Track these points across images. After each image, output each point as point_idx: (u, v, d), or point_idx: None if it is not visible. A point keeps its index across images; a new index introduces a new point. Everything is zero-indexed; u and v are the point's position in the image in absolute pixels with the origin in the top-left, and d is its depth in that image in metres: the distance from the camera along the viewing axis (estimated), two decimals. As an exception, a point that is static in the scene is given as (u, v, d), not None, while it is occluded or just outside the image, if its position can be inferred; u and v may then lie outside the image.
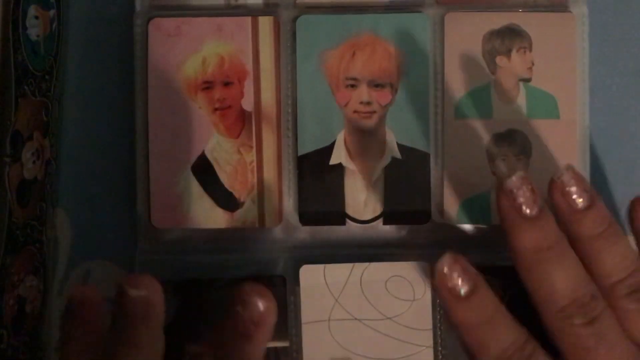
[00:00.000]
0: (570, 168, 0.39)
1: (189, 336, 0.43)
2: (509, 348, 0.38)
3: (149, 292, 0.37)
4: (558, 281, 0.38)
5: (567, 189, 0.39)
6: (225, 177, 0.47)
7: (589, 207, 0.39)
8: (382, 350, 0.46)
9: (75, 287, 0.42)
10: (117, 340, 0.37)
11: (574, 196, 0.39)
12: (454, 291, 0.38)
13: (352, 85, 0.46)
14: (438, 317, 0.46)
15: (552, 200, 0.39)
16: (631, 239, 0.41)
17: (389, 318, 0.46)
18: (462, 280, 0.38)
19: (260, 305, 0.37)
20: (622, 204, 0.48)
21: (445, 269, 0.39)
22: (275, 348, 0.46)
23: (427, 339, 0.46)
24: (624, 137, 0.49)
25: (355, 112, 0.46)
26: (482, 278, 0.39)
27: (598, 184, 0.48)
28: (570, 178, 0.39)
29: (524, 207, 0.38)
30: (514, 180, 0.39)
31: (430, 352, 0.46)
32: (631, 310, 0.38)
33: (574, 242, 0.39)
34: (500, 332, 0.38)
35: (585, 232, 0.39)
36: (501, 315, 0.39)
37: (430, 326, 0.46)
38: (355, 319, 0.46)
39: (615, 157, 0.48)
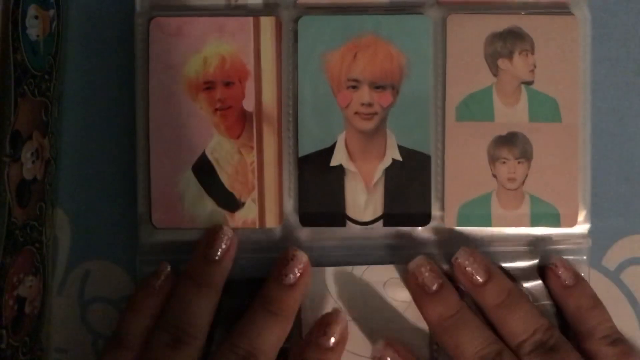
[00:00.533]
0: (465, 249, 0.45)
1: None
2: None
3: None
4: (464, 342, 0.43)
5: (466, 268, 0.44)
6: (225, 177, 0.47)
7: (486, 281, 0.44)
8: (381, 351, 0.46)
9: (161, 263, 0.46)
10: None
11: (473, 274, 0.44)
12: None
13: (354, 87, 0.46)
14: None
15: (456, 279, 0.45)
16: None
17: (389, 319, 0.46)
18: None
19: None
20: (623, 204, 0.48)
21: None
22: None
23: (425, 339, 0.46)
24: (624, 137, 0.49)
25: (356, 113, 0.46)
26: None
27: (598, 184, 0.48)
28: (465, 259, 0.45)
29: (425, 285, 0.44)
30: (415, 263, 0.45)
31: (427, 352, 0.46)
32: None
33: (482, 311, 0.45)
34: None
35: (488, 303, 0.44)
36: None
37: (427, 327, 0.46)
38: (354, 319, 0.46)
39: (615, 157, 0.48)
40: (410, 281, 0.45)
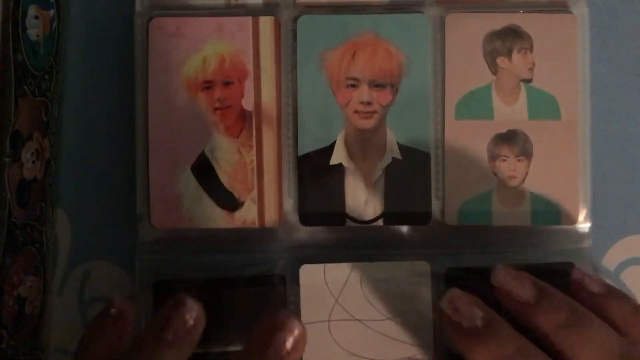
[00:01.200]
0: (500, 266, 0.38)
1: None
2: None
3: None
4: None
5: (507, 286, 0.37)
6: (225, 177, 0.47)
7: (539, 298, 0.37)
8: (381, 350, 0.46)
9: (116, 296, 0.38)
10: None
11: (519, 291, 0.37)
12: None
13: (353, 85, 0.46)
14: (437, 317, 0.46)
15: (503, 306, 0.38)
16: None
17: (389, 318, 0.46)
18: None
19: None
20: (623, 204, 0.48)
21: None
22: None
23: (427, 338, 0.46)
24: (624, 137, 0.49)
25: (355, 112, 0.46)
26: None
27: (599, 185, 0.48)
28: (504, 275, 0.38)
29: (466, 323, 0.36)
30: (447, 297, 0.37)
31: (431, 350, 0.46)
32: None
33: (544, 338, 0.36)
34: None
35: (549, 325, 0.36)
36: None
37: (430, 326, 0.46)
38: (355, 319, 0.46)
39: (615, 157, 0.48)
40: (447, 320, 0.37)
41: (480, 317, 0.36)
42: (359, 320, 0.46)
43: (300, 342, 0.36)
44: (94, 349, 0.37)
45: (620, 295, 0.38)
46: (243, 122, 0.46)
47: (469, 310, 0.36)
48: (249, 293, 0.45)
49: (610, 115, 0.48)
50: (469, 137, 0.46)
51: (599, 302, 0.37)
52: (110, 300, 0.38)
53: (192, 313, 0.37)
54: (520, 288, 0.37)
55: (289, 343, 0.35)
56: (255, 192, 0.47)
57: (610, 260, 0.48)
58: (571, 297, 0.37)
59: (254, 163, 0.46)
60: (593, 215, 0.47)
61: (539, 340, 0.36)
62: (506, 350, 0.35)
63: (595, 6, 0.47)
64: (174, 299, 0.37)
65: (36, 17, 0.44)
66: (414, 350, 0.46)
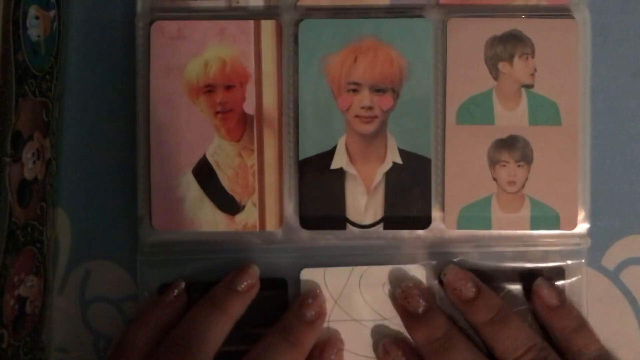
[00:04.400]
0: (452, 266, 0.46)
1: None
2: None
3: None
4: None
5: (455, 284, 0.45)
6: (226, 180, 0.47)
7: (476, 297, 0.44)
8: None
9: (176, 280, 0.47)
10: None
11: (462, 289, 0.45)
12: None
13: (354, 90, 0.46)
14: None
15: (447, 297, 0.46)
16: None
17: (387, 319, 0.47)
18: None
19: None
20: (622, 204, 0.48)
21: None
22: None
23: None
24: (624, 138, 0.49)
25: (356, 116, 0.46)
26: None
27: (598, 185, 0.48)
28: (452, 275, 0.45)
29: (412, 307, 0.45)
30: (401, 286, 0.45)
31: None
32: None
33: (475, 330, 0.45)
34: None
35: (479, 319, 0.44)
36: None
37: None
38: (354, 320, 0.47)
39: (615, 157, 0.48)
40: (397, 304, 0.46)
41: (422, 306, 0.45)
42: (358, 321, 0.47)
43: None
44: (149, 318, 0.45)
45: (570, 311, 0.45)
46: (244, 125, 0.46)
47: (416, 300, 0.45)
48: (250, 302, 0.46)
49: (610, 117, 0.48)
50: (470, 142, 0.46)
51: (550, 313, 0.45)
52: (175, 284, 0.46)
53: (256, 272, 0.46)
54: (463, 287, 0.45)
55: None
56: (256, 196, 0.47)
57: (610, 260, 0.48)
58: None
59: (255, 167, 0.47)
60: (592, 216, 0.47)
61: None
62: (436, 333, 0.43)
63: (595, 10, 0.47)
64: (242, 264, 0.46)
65: (37, 18, 0.44)
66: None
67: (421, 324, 0.44)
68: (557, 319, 0.45)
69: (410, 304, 0.45)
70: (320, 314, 0.46)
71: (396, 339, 0.45)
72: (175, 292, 0.46)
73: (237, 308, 0.45)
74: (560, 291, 0.46)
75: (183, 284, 0.46)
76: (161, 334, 0.44)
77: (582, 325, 0.45)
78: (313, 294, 0.46)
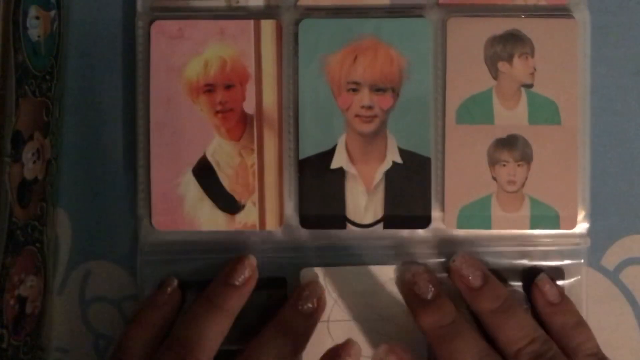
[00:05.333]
0: (462, 253, 0.46)
1: None
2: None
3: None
4: (458, 352, 0.42)
5: (462, 271, 0.45)
6: (226, 179, 0.47)
7: (483, 285, 0.44)
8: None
9: (167, 278, 0.47)
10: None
11: (469, 277, 0.45)
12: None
13: (354, 90, 0.46)
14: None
15: (453, 283, 0.46)
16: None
17: (387, 319, 0.47)
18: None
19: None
20: (622, 204, 0.48)
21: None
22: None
23: (424, 339, 0.46)
24: (624, 138, 0.49)
25: (356, 116, 0.46)
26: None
27: (598, 184, 0.48)
28: (462, 262, 0.45)
29: (420, 292, 0.44)
30: (411, 271, 0.45)
31: (425, 350, 0.47)
32: None
33: (479, 318, 0.45)
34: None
35: (484, 307, 0.44)
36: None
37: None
38: (354, 319, 0.47)
39: (615, 157, 0.48)
40: (405, 289, 0.46)
41: (432, 292, 0.44)
42: (358, 321, 0.47)
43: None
44: (146, 319, 0.44)
45: (569, 308, 0.45)
46: (244, 125, 0.47)
47: (426, 284, 0.45)
48: (250, 295, 0.45)
49: (610, 117, 0.48)
50: (469, 142, 0.47)
51: (550, 309, 0.45)
52: (166, 282, 0.46)
53: (252, 263, 0.45)
54: (471, 274, 0.45)
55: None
56: (256, 195, 0.47)
57: (610, 260, 0.48)
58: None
59: (255, 166, 0.47)
60: (592, 216, 0.47)
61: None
62: (444, 319, 0.43)
63: (594, 10, 0.47)
64: (237, 256, 0.46)
65: (37, 18, 0.44)
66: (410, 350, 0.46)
67: (429, 309, 0.44)
68: (557, 315, 0.45)
69: (420, 289, 0.44)
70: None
71: (391, 347, 0.44)
72: (169, 290, 0.46)
73: (235, 303, 0.44)
74: (561, 288, 0.46)
75: (175, 282, 0.46)
76: (160, 333, 0.44)
77: (581, 322, 0.45)
78: (311, 286, 0.45)
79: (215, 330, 0.43)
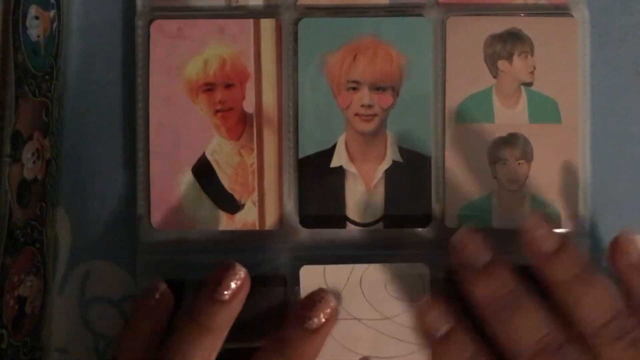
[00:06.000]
0: (535, 215, 0.40)
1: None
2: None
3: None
4: (520, 328, 0.37)
5: (534, 234, 0.39)
6: (225, 179, 0.47)
7: (558, 250, 0.39)
8: (381, 349, 0.46)
9: (151, 279, 0.44)
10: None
11: (542, 241, 0.39)
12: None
13: (354, 88, 0.46)
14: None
15: (524, 248, 0.40)
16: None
17: (388, 318, 0.47)
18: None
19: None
20: (623, 204, 0.48)
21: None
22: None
23: (424, 341, 0.46)
24: (624, 138, 0.49)
25: (356, 115, 0.46)
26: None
27: (599, 185, 0.48)
28: (535, 224, 0.39)
29: (473, 259, 0.40)
30: (460, 235, 0.40)
31: (427, 350, 0.46)
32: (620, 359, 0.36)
33: (551, 289, 0.39)
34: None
35: (559, 277, 0.38)
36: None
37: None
38: (355, 318, 0.47)
39: (616, 158, 0.48)
40: (455, 255, 0.40)
41: (488, 258, 0.39)
42: (359, 320, 0.46)
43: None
44: (137, 327, 0.42)
45: (572, 256, 0.39)
46: (244, 124, 0.47)
47: (478, 249, 0.40)
48: (249, 294, 0.45)
49: (610, 116, 0.48)
50: (470, 140, 0.47)
51: (545, 262, 0.39)
52: (153, 285, 0.43)
53: (241, 274, 0.42)
54: (543, 238, 0.39)
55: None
56: (255, 195, 0.47)
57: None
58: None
59: (255, 165, 0.47)
60: (593, 215, 0.47)
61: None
62: (499, 291, 0.38)
63: (594, 8, 0.47)
64: (222, 263, 0.42)
65: (37, 18, 0.44)
66: (412, 349, 0.46)
67: (484, 278, 0.39)
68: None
69: (474, 255, 0.39)
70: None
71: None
72: (157, 295, 0.43)
73: (224, 320, 0.41)
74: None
75: (162, 285, 0.43)
76: (155, 338, 0.42)
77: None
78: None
79: (203, 352, 0.40)
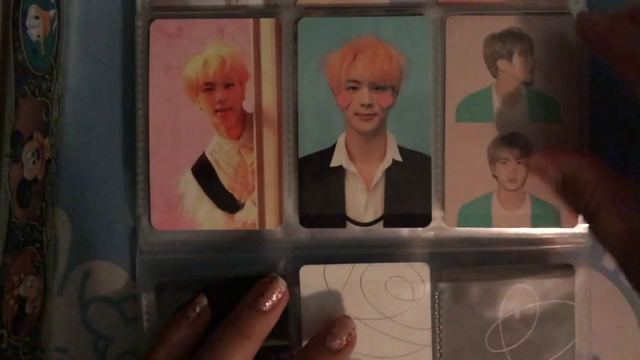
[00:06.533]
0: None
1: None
2: None
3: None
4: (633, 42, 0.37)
5: (590, 17, 0.40)
6: (225, 178, 0.47)
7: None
8: (381, 349, 0.47)
9: (193, 294, 0.46)
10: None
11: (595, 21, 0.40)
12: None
13: (353, 88, 0.46)
14: (437, 316, 0.47)
15: (580, 35, 0.41)
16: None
17: (389, 317, 0.47)
18: None
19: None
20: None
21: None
22: (275, 346, 0.46)
23: (426, 338, 0.46)
24: (624, 136, 0.49)
25: (356, 114, 0.46)
26: None
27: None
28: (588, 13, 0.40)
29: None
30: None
31: (429, 350, 0.46)
32: None
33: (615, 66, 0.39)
34: None
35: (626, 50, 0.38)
36: None
37: (429, 325, 0.46)
38: (355, 318, 0.46)
39: (615, 157, 0.48)
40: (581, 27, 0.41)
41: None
42: (359, 320, 0.46)
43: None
44: (173, 339, 0.43)
45: None
46: (244, 124, 0.47)
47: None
48: (245, 290, 0.45)
49: (610, 115, 0.48)
50: (469, 140, 0.46)
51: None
52: (198, 299, 0.45)
53: (282, 287, 0.44)
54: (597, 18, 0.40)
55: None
56: (255, 194, 0.47)
57: (610, 260, 0.48)
58: None
59: (255, 165, 0.47)
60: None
61: None
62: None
63: (593, 4, 0.47)
64: (267, 276, 0.44)
65: (37, 17, 0.44)
66: (413, 349, 0.46)
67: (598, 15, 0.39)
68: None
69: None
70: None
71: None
72: (198, 309, 0.45)
73: (262, 330, 0.43)
74: None
75: (205, 301, 0.45)
76: (187, 352, 0.43)
77: None
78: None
79: (241, 357, 0.42)
